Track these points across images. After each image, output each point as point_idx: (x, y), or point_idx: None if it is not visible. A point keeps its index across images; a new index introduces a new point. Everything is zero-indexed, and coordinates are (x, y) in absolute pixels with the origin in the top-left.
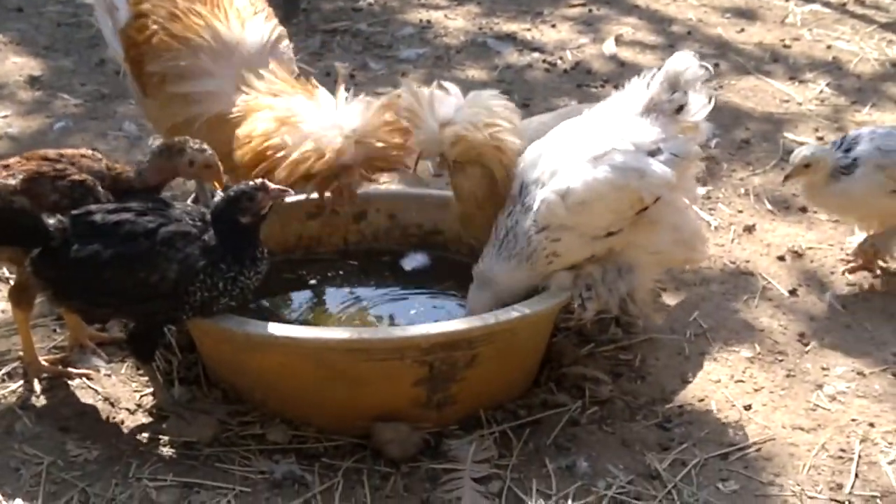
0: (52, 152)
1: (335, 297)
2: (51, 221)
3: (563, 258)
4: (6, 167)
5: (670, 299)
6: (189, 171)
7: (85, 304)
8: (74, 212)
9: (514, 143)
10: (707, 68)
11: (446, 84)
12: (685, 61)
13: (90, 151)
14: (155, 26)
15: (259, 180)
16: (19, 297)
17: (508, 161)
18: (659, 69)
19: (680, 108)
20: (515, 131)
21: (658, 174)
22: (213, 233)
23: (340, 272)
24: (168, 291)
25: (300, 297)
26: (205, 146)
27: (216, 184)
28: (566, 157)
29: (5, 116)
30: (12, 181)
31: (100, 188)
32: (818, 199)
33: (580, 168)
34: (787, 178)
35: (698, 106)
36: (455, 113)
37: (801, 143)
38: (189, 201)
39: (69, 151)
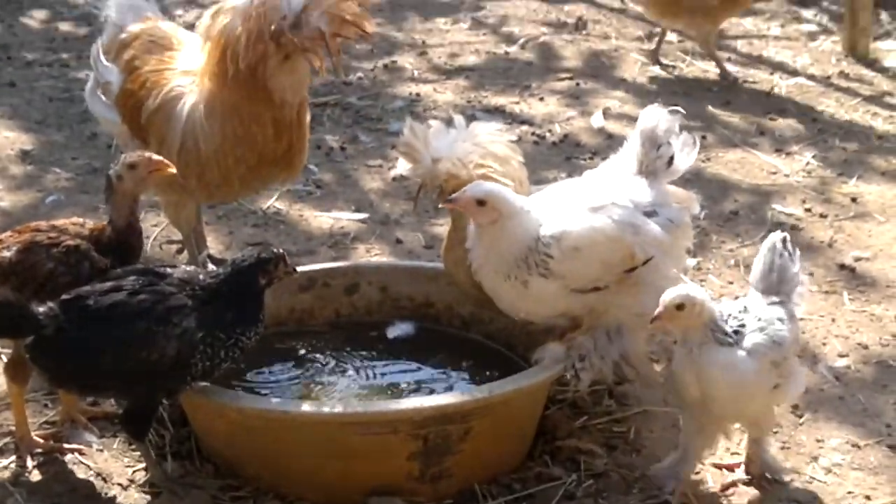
0: (43, 224)
1: (327, 370)
2: (40, 310)
3: (531, 299)
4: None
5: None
6: (134, 185)
7: (85, 388)
8: (65, 297)
9: (504, 185)
10: (679, 111)
11: (455, 115)
12: (654, 115)
13: (78, 220)
14: (147, 69)
15: (282, 250)
16: (15, 371)
17: None
18: (634, 132)
19: (671, 160)
20: (510, 172)
21: (653, 233)
22: (214, 295)
23: (332, 345)
24: (168, 367)
25: (292, 370)
26: (124, 156)
27: (166, 170)
28: (564, 206)
29: None
30: (7, 253)
31: (94, 252)
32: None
33: (577, 215)
34: (654, 320)
35: (686, 151)
36: (448, 148)
37: (790, 215)
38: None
39: (59, 222)
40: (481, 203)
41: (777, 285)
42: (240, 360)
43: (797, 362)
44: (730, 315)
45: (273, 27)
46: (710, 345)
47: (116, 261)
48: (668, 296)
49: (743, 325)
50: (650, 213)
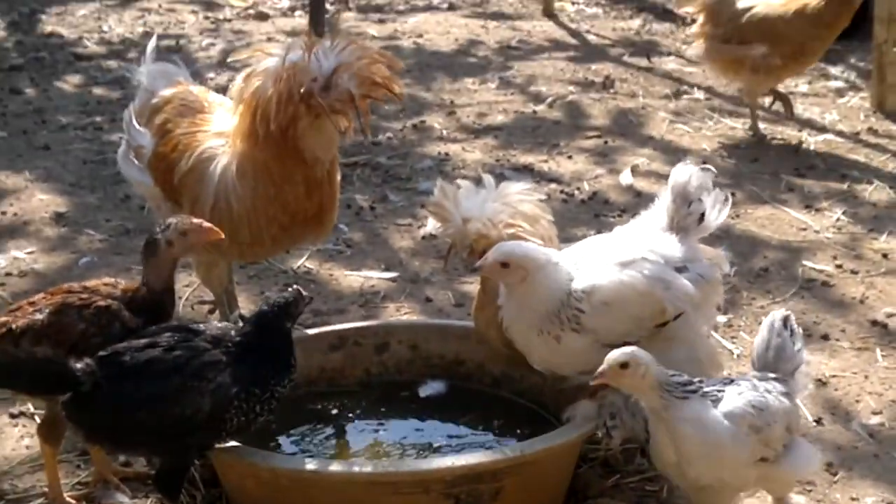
0: (75, 285)
1: (358, 430)
2: (78, 366)
3: (563, 354)
4: (32, 304)
5: None
6: (178, 251)
7: (120, 445)
8: (102, 353)
9: (535, 243)
10: (710, 169)
11: (484, 175)
12: (686, 172)
13: (110, 280)
14: (179, 132)
15: (295, 286)
16: (48, 432)
17: None
18: (665, 188)
19: (702, 217)
20: (540, 231)
21: (684, 288)
22: (246, 350)
23: (363, 404)
24: (203, 423)
25: (323, 430)
26: (170, 219)
27: (215, 239)
28: (594, 261)
29: (31, 252)
30: (39, 315)
31: (125, 312)
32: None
33: (608, 270)
34: (596, 377)
35: (718, 208)
36: (478, 208)
37: (820, 271)
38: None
39: (91, 283)
40: (505, 265)
41: (774, 363)
42: (276, 410)
43: (801, 441)
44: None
45: (303, 89)
46: (673, 404)
47: (149, 321)
48: (613, 354)
49: (721, 391)
50: (681, 269)
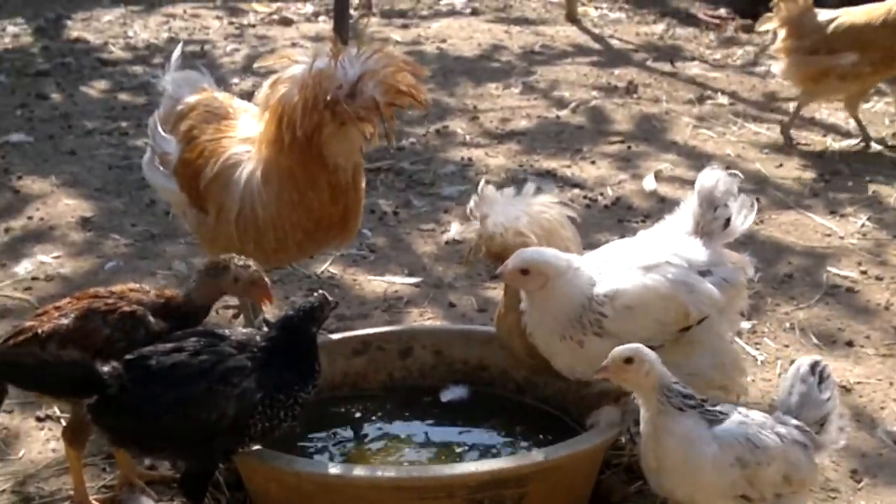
0: (101, 290)
1: (381, 435)
2: (105, 369)
3: (587, 358)
4: (58, 308)
5: None
6: (235, 289)
7: (144, 448)
8: (128, 357)
9: None
10: (737, 175)
11: (531, 180)
12: (714, 176)
13: (137, 285)
14: (204, 138)
15: (321, 291)
16: (73, 435)
17: None
18: (692, 193)
19: (727, 222)
20: (554, 244)
21: (707, 292)
22: (271, 355)
23: (387, 409)
24: (228, 428)
25: (347, 435)
26: (250, 262)
27: (264, 301)
28: (617, 265)
29: (57, 257)
30: (65, 320)
31: (150, 318)
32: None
33: (631, 274)
34: (600, 370)
35: (744, 214)
36: (500, 211)
37: (845, 277)
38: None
39: (118, 288)
40: (525, 272)
41: (797, 410)
42: (300, 416)
43: (801, 500)
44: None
45: (329, 96)
46: (667, 412)
47: (175, 328)
48: (619, 349)
49: (725, 415)
50: (705, 273)
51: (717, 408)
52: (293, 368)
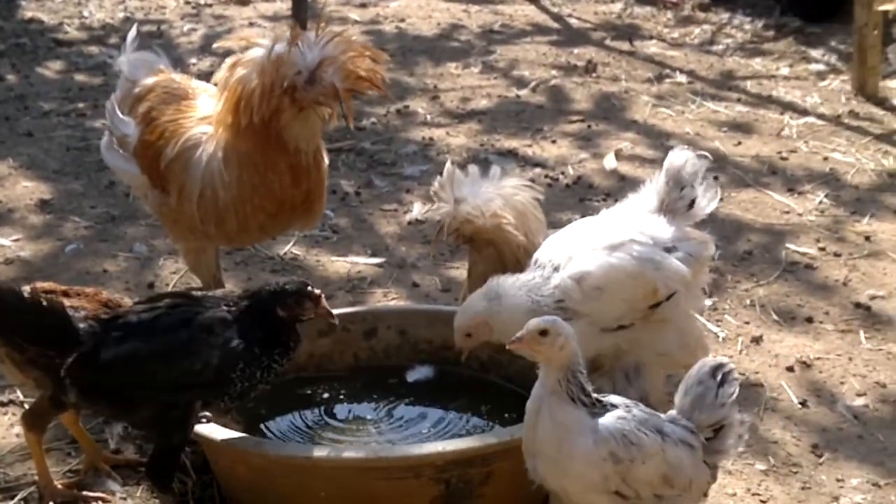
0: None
1: (347, 415)
2: (81, 325)
3: None
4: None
5: None
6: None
7: (124, 408)
8: (105, 316)
9: (517, 238)
10: (706, 157)
11: (492, 159)
12: (682, 156)
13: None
14: (164, 119)
15: (318, 291)
16: (32, 421)
17: (515, 252)
18: (660, 170)
19: (692, 203)
20: (526, 225)
21: (674, 267)
22: (247, 313)
23: (352, 389)
24: (211, 379)
25: (312, 416)
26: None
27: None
28: (584, 245)
29: (17, 240)
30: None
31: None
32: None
33: (597, 254)
34: (514, 340)
35: (709, 195)
36: (473, 193)
37: (804, 254)
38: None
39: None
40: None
41: (689, 411)
42: (273, 381)
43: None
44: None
45: (286, 82)
46: (559, 396)
47: None
48: (535, 320)
49: (614, 405)
50: (670, 249)
51: (607, 400)
52: (262, 330)
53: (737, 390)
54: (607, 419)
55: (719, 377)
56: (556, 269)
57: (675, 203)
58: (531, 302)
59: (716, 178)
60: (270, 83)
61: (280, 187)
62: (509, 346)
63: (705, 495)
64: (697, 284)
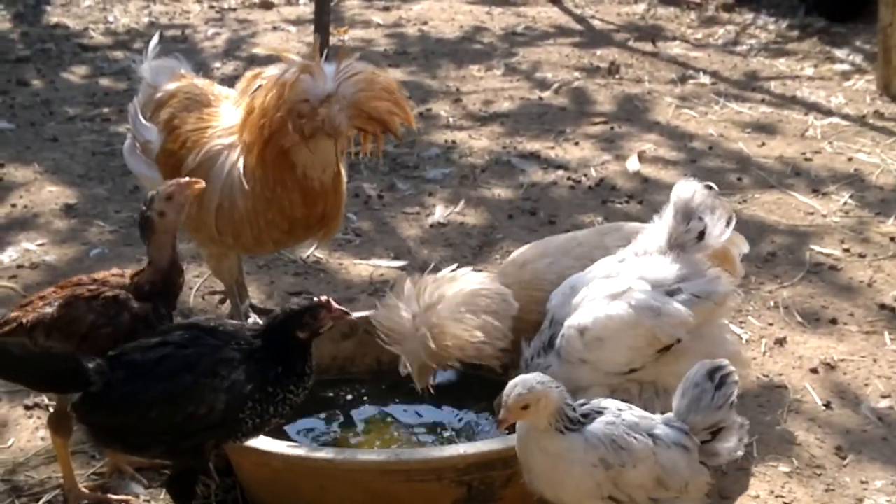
0: (85, 277)
1: (370, 418)
2: (90, 365)
3: (582, 390)
4: (42, 298)
5: None
6: (172, 217)
7: (132, 446)
8: (112, 353)
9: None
10: (713, 188)
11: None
12: (688, 188)
13: (119, 270)
14: (186, 128)
15: (325, 297)
16: (58, 424)
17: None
18: (667, 205)
19: (701, 234)
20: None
21: (674, 314)
22: (260, 349)
23: (375, 392)
24: (218, 422)
25: (335, 419)
26: (152, 193)
27: (195, 190)
28: (589, 294)
29: (42, 244)
30: (49, 309)
31: (133, 302)
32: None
33: (595, 305)
34: (500, 423)
35: (720, 227)
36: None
37: (828, 255)
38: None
39: (100, 274)
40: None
41: (686, 413)
42: (288, 415)
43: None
44: (586, 404)
45: (289, 107)
46: (548, 432)
47: (160, 302)
48: (511, 394)
49: (600, 413)
50: (674, 292)
51: (595, 405)
52: (280, 363)
53: (735, 392)
54: (595, 426)
55: (717, 379)
56: (561, 323)
57: (683, 237)
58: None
59: (739, 178)
60: (275, 104)
61: (290, 205)
62: (498, 428)
63: (708, 496)
64: (718, 315)
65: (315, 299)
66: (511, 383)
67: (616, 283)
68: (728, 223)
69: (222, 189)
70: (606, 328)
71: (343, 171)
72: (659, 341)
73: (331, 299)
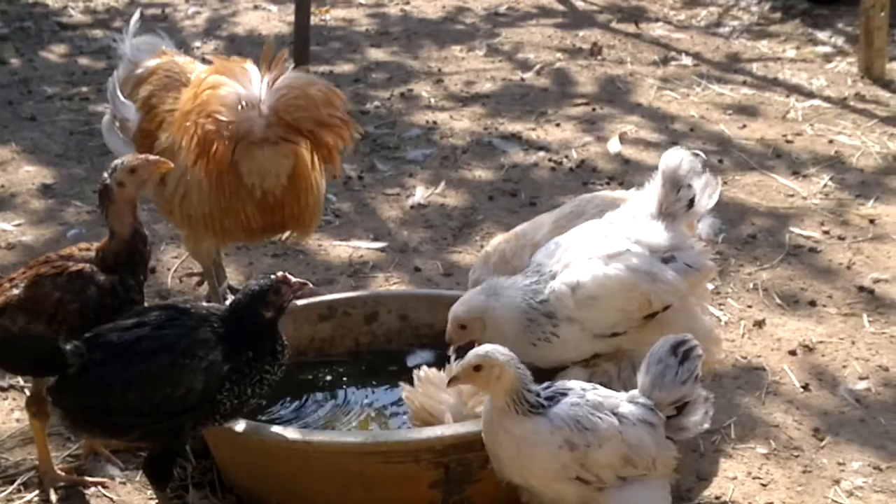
0: (52, 255)
1: (348, 400)
2: (67, 347)
3: (560, 349)
4: (10, 280)
5: None
6: (133, 189)
7: (110, 430)
8: (88, 334)
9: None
10: (699, 155)
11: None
12: (676, 157)
13: (86, 244)
14: (164, 108)
15: (280, 273)
16: (37, 408)
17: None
18: (656, 173)
19: (691, 202)
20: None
21: (669, 281)
22: (230, 331)
23: (353, 374)
24: (195, 403)
25: (313, 400)
26: (116, 162)
27: (161, 169)
28: (581, 254)
29: (19, 225)
30: (15, 291)
31: (99, 275)
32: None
33: (593, 264)
34: (451, 380)
35: (708, 193)
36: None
37: (808, 237)
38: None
39: (66, 250)
40: (463, 327)
41: (650, 389)
42: (267, 395)
43: (652, 484)
44: (550, 387)
45: (211, 108)
46: (510, 414)
47: (126, 273)
48: (468, 357)
49: (564, 394)
50: (668, 259)
51: (559, 387)
52: (251, 344)
53: (699, 367)
54: (560, 407)
55: (680, 354)
56: (552, 277)
57: (674, 205)
58: (526, 305)
59: (720, 160)
60: (194, 107)
61: (245, 217)
62: (448, 385)
63: (676, 471)
64: (700, 289)
65: (272, 276)
66: (478, 348)
67: (611, 244)
68: (715, 187)
69: (187, 182)
70: (603, 287)
71: (315, 179)
72: (650, 306)
73: (286, 273)
